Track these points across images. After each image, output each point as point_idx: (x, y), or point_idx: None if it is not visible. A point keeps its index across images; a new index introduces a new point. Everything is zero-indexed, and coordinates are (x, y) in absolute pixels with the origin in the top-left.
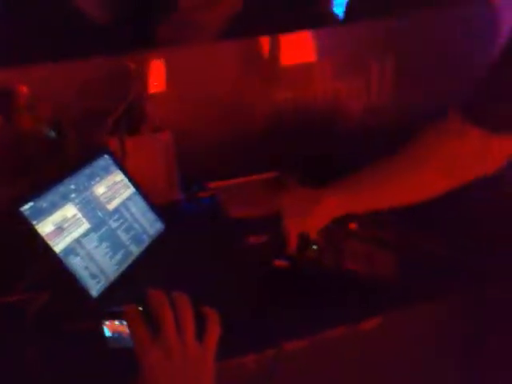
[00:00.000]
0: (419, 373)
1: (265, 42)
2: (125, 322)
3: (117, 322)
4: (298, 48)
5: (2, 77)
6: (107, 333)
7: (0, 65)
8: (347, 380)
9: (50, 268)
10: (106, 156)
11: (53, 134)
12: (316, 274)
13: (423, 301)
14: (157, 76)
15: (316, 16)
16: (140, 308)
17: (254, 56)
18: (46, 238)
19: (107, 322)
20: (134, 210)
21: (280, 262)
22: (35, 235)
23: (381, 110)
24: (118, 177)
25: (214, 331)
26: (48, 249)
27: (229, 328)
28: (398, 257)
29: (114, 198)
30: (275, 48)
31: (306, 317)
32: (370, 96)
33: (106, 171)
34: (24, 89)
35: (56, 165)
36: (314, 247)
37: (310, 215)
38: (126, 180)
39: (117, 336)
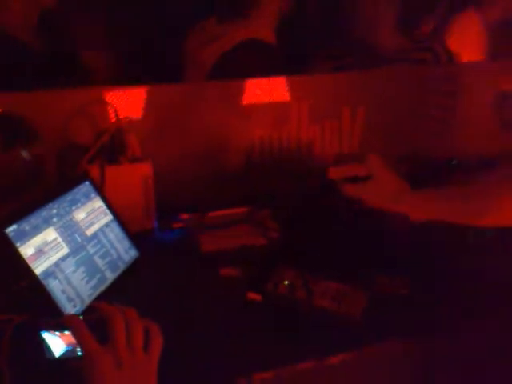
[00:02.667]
0: None
1: (245, 83)
2: (68, 332)
3: (66, 332)
4: (277, 91)
5: None
6: (61, 344)
7: None
8: None
9: (30, 289)
10: (87, 183)
11: (30, 159)
12: (287, 308)
13: (387, 339)
14: (139, 108)
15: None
16: (81, 317)
17: (235, 96)
18: (27, 260)
19: (58, 333)
20: (111, 236)
21: (253, 295)
22: (17, 257)
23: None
24: (98, 203)
25: (158, 343)
26: (29, 270)
27: (200, 357)
28: (366, 297)
29: (93, 223)
30: (254, 89)
31: (276, 349)
32: (341, 143)
33: (87, 197)
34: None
35: (37, 189)
36: (286, 282)
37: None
38: (104, 207)
39: (71, 348)
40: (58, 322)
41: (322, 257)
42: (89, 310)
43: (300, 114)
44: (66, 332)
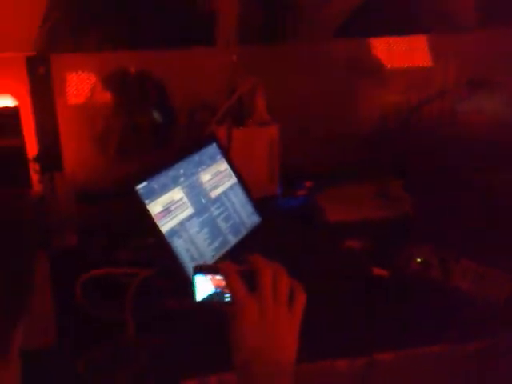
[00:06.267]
0: None
1: (379, 42)
2: (219, 277)
3: (218, 277)
4: (415, 51)
5: (112, 58)
6: (209, 287)
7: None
8: None
9: (155, 246)
10: (213, 144)
11: (160, 118)
12: (419, 287)
13: None
14: (269, 71)
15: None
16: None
17: (366, 56)
18: (154, 218)
19: (209, 277)
20: (234, 200)
21: (379, 271)
22: (146, 214)
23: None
24: (223, 166)
25: (301, 301)
26: (155, 228)
27: (317, 332)
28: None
29: (218, 186)
30: (389, 49)
31: (401, 329)
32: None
33: (213, 159)
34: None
35: (165, 148)
36: (419, 260)
37: None
38: (229, 170)
39: (219, 291)
40: (213, 267)
41: (462, 234)
42: (241, 261)
43: (444, 77)
44: (218, 277)
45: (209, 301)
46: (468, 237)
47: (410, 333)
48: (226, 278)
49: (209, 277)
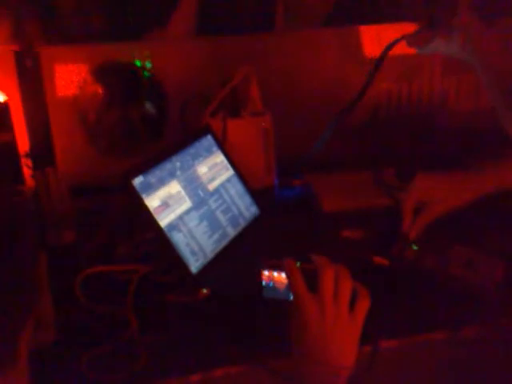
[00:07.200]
0: None
1: (369, 30)
2: (283, 274)
3: (275, 274)
4: None
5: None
6: (264, 282)
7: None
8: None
9: (155, 241)
10: (208, 136)
11: (153, 110)
12: (414, 275)
13: None
14: (260, 60)
15: None
16: (298, 264)
17: (357, 44)
18: (153, 213)
19: (266, 272)
20: (232, 192)
21: (379, 259)
22: (144, 209)
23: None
24: (219, 158)
25: (364, 306)
26: (154, 223)
27: None
28: (502, 266)
29: (215, 178)
30: (379, 37)
31: (402, 317)
32: (478, 99)
33: (209, 151)
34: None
35: (159, 141)
36: (415, 247)
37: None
38: (226, 162)
39: (272, 286)
40: (277, 263)
41: (454, 219)
42: (305, 260)
43: (433, 65)
44: (282, 274)
45: (272, 297)
46: (458, 222)
47: (411, 321)
48: (289, 275)
49: (273, 273)
